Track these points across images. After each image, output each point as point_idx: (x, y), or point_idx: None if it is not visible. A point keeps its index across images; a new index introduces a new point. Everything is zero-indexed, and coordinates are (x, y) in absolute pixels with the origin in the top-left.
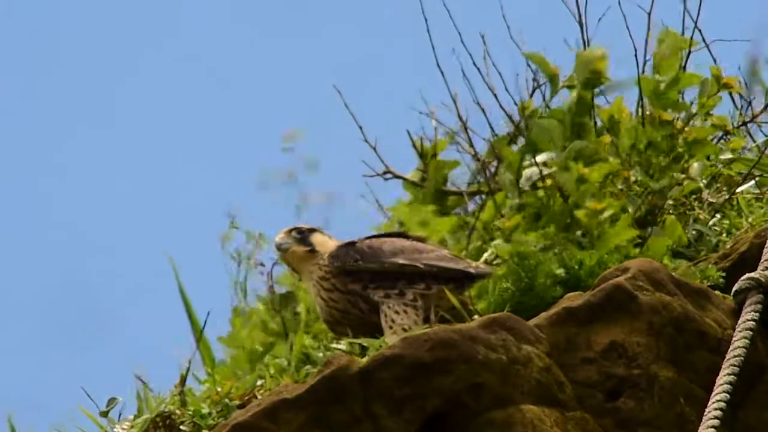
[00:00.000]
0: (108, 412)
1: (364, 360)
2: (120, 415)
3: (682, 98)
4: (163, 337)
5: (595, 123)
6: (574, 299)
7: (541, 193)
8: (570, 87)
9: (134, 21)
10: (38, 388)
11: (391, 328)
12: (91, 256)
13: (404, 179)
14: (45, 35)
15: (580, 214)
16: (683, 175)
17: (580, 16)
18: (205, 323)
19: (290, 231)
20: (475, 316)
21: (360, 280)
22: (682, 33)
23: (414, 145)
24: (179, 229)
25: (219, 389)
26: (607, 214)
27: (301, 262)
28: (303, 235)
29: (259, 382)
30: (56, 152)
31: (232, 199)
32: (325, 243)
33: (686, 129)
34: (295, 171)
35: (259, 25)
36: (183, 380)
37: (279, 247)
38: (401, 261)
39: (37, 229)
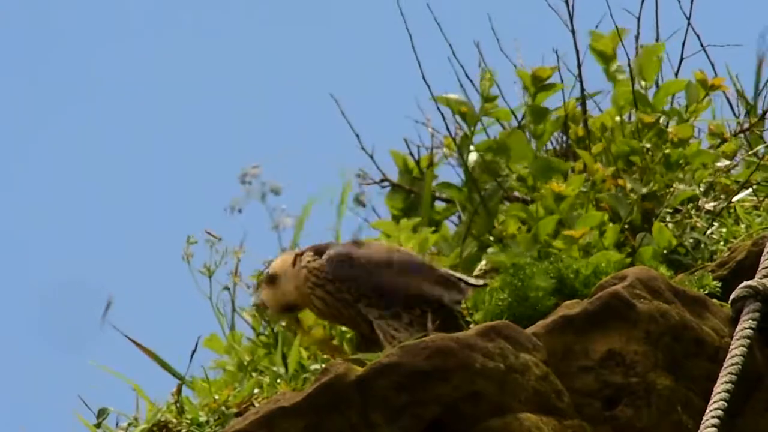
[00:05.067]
0: (100, 424)
1: (362, 368)
2: (117, 423)
3: (674, 104)
4: (162, 343)
5: (588, 131)
6: (571, 307)
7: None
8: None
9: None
10: (35, 392)
11: (390, 343)
12: (90, 259)
13: (402, 188)
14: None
15: (557, 243)
16: (677, 181)
17: (571, 23)
18: (196, 347)
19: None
20: (472, 325)
21: (351, 294)
22: (684, 38)
23: (411, 154)
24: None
25: (216, 397)
26: (587, 238)
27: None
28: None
29: (256, 390)
30: (59, 151)
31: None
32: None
33: (671, 131)
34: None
35: (255, 27)
36: (180, 388)
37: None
38: (398, 288)
39: (38, 232)
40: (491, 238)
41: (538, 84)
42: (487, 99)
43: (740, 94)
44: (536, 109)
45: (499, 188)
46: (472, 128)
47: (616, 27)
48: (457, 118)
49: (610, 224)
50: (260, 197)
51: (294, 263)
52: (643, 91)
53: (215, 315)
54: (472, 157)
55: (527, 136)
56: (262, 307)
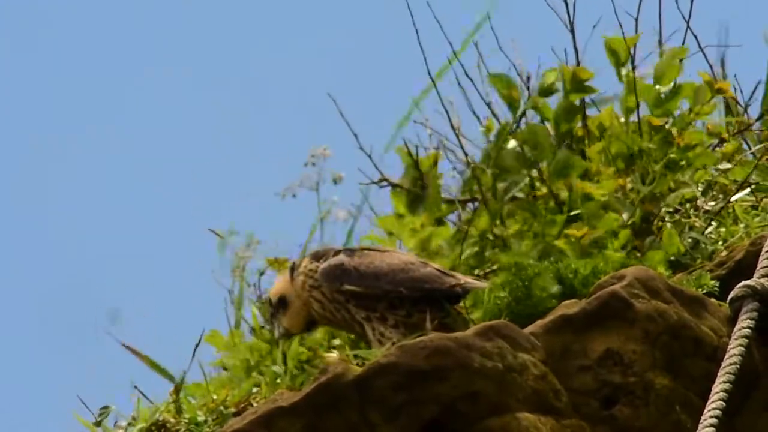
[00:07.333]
0: (101, 422)
1: (360, 368)
2: (114, 423)
3: (681, 107)
4: (161, 343)
5: (587, 132)
6: (570, 307)
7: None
8: (546, 94)
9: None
10: (33, 393)
11: (380, 342)
12: (90, 260)
13: (401, 188)
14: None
15: (560, 243)
16: (678, 182)
17: (571, 23)
18: (199, 341)
19: None
20: (470, 325)
21: (343, 294)
22: (684, 39)
23: (410, 154)
24: (180, 236)
25: (215, 397)
26: (589, 239)
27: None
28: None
29: (254, 390)
30: (61, 152)
31: (238, 211)
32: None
33: (680, 136)
34: (315, 183)
35: (254, 26)
36: (178, 388)
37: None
38: (384, 286)
39: (37, 232)
40: (492, 237)
41: (576, 83)
42: (545, 93)
43: (731, 98)
44: (569, 108)
45: (514, 184)
46: (516, 117)
47: (621, 26)
48: (460, 118)
49: (621, 229)
50: (314, 186)
51: (291, 277)
52: (662, 95)
53: (226, 310)
54: (511, 144)
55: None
56: (287, 335)
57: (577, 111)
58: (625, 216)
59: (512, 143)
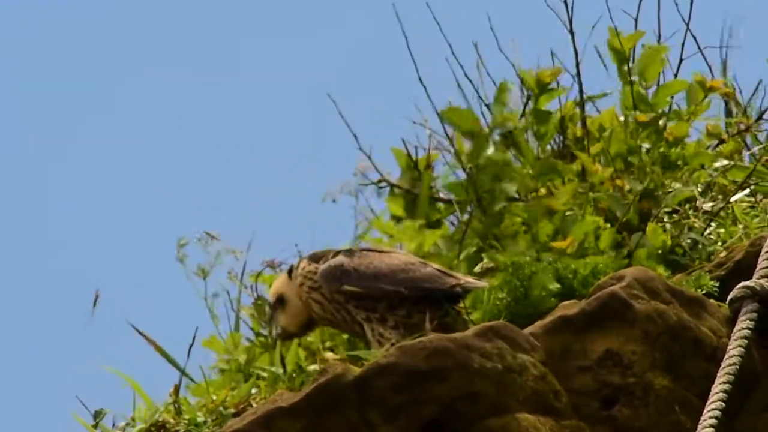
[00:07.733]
0: (97, 424)
1: (360, 368)
2: (113, 423)
3: (676, 106)
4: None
5: (587, 132)
6: (569, 308)
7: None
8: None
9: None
10: (31, 394)
11: (380, 342)
12: (90, 261)
13: (399, 188)
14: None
15: (545, 255)
16: (674, 181)
17: (570, 24)
18: (193, 341)
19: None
20: (470, 326)
21: (343, 294)
22: (684, 40)
23: (408, 155)
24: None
25: (214, 398)
26: (575, 246)
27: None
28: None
29: (254, 391)
30: (63, 153)
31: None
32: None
33: (668, 130)
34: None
35: (254, 27)
36: (177, 388)
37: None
38: (385, 287)
39: (37, 232)
40: (490, 239)
41: (541, 87)
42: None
43: (731, 96)
44: (539, 112)
45: (503, 192)
46: (483, 146)
47: (615, 27)
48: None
49: (607, 226)
50: (353, 192)
51: (290, 277)
52: (643, 92)
53: (211, 317)
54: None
55: (529, 137)
56: (285, 335)
57: (548, 115)
58: (619, 214)
59: (491, 149)
